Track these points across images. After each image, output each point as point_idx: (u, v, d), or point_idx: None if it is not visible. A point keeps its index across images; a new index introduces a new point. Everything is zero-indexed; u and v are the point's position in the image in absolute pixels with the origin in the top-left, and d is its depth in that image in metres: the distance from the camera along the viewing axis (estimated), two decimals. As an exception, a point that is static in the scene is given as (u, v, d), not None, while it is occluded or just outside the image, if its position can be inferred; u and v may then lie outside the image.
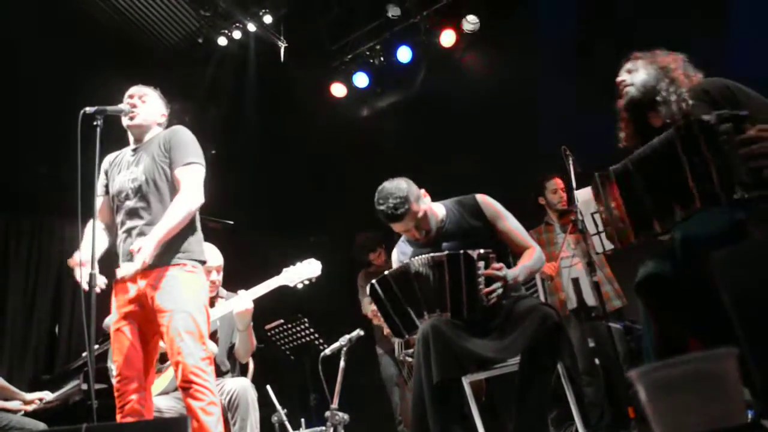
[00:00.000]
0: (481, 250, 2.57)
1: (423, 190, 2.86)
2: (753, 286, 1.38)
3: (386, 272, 2.70)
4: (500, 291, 2.56)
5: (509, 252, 2.90)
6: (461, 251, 2.57)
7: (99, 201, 2.90)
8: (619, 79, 2.42)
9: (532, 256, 2.81)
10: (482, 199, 2.90)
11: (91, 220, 2.69)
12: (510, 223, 2.87)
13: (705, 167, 1.95)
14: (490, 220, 2.85)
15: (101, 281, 2.63)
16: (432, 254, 2.64)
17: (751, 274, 1.41)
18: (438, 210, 2.92)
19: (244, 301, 3.40)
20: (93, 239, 2.58)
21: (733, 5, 4.71)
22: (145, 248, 2.58)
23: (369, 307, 5.24)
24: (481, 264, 2.55)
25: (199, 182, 2.83)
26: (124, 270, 2.61)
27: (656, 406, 1.14)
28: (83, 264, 2.64)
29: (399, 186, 2.75)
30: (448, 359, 2.42)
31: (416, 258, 2.66)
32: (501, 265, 2.62)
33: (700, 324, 2.07)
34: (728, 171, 1.91)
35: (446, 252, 2.63)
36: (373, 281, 2.70)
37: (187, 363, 2.60)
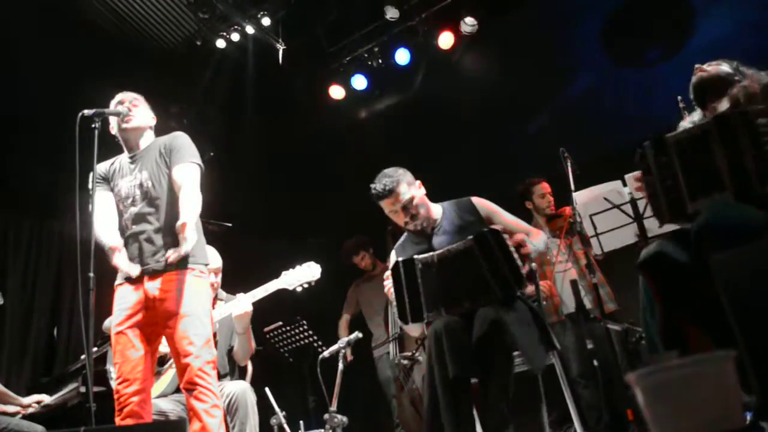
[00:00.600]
0: (497, 226, 2.66)
1: (419, 182, 3.02)
2: (752, 288, 1.38)
3: (415, 256, 2.77)
4: (534, 254, 2.65)
5: None
6: (485, 229, 2.62)
7: (103, 196, 2.91)
8: (699, 65, 2.42)
9: (537, 236, 2.91)
10: (477, 199, 3.03)
11: (92, 222, 2.71)
12: (506, 217, 2.98)
13: (741, 158, 1.91)
14: (485, 218, 2.95)
15: (135, 269, 2.70)
16: (456, 244, 2.69)
17: (750, 277, 1.41)
18: (435, 209, 3.04)
19: (242, 303, 3.40)
20: (93, 243, 2.58)
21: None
22: (188, 234, 2.57)
23: (342, 329, 5.31)
24: (506, 235, 2.61)
25: (196, 181, 2.84)
26: (162, 261, 2.69)
27: (654, 409, 1.14)
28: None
29: (395, 170, 2.97)
30: (464, 357, 2.45)
31: (439, 251, 2.72)
32: (521, 234, 2.69)
33: (702, 314, 2.04)
34: (764, 164, 1.87)
35: (469, 237, 2.66)
36: (399, 260, 2.78)
37: (194, 365, 2.63)
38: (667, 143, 2.05)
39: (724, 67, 2.35)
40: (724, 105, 2.24)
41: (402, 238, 3.15)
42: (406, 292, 2.70)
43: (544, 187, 4.60)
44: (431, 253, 2.72)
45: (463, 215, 2.97)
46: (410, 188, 2.93)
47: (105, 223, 2.80)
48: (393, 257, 3.08)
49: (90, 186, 2.86)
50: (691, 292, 1.99)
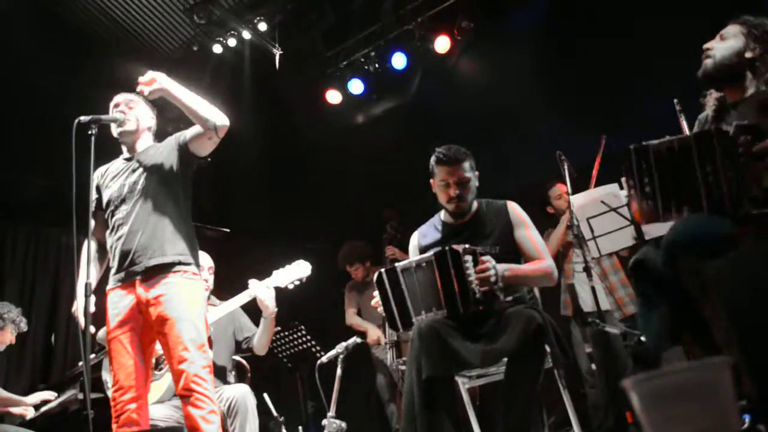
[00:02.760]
0: (467, 245, 2.63)
1: (477, 173, 3.02)
2: (747, 294, 1.38)
3: (396, 264, 2.77)
4: (493, 278, 2.58)
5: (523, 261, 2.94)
6: (446, 247, 2.63)
7: (93, 219, 2.87)
8: (705, 45, 2.27)
9: (535, 265, 2.84)
10: (512, 206, 3.00)
11: (86, 240, 2.70)
12: (529, 233, 2.93)
13: (717, 177, 1.89)
14: (513, 225, 2.93)
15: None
16: (423, 255, 2.73)
17: (744, 283, 1.41)
18: (473, 204, 3.02)
19: (264, 286, 3.48)
20: (89, 251, 2.58)
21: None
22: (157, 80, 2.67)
23: (353, 319, 5.28)
24: (468, 257, 2.59)
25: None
26: None
27: (651, 416, 1.14)
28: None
29: (463, 148, 2.98)
30: (437, 358, 2.45)
31: (417, 258, 2.73)
32: (488, 257, 2.66)
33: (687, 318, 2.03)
34: (738, 185, 1.85)
35: (432, 252, 2.68)
36: (381, 270, 2.76)
37: (189, 371, 2.61)
38: (649, 152, 2.06)
39: (732, 43, 2.20)
40: (751, 89, 2.15)
41: (430, 222, 3.13)
42: (393, 301, 2.69)
43: (561, 188, 4.58)
44: (411, 259, 2.73)
45: (493, 219, 2.95)
46: (471, 171, 2.95)
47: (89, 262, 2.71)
48: (413, 240, 3.12)
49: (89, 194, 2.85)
50: (674, 298, 1.98)
